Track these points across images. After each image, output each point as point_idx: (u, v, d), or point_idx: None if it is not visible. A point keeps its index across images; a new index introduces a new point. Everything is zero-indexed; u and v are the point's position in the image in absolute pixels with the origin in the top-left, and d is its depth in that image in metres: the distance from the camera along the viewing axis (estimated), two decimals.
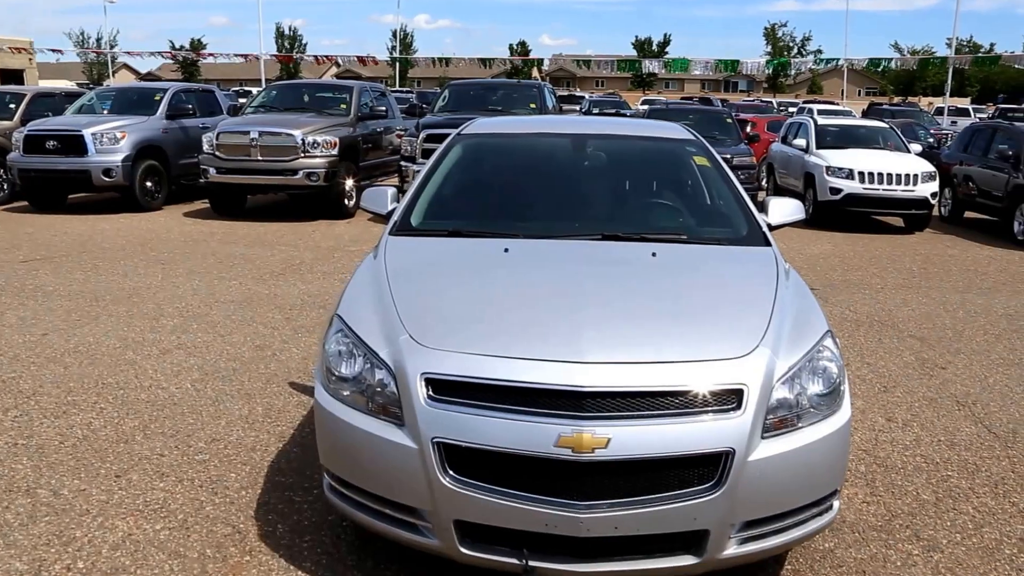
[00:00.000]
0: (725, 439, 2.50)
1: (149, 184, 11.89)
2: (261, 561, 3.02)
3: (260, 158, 10.93)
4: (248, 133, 10.93)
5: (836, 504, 2.85)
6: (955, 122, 30.88)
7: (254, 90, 27.43)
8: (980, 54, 47.55)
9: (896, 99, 57.49)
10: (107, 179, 11.33)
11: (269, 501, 3.47)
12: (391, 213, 4.05)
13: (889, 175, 11.86)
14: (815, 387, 2.72)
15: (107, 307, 6.53)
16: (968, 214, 12.99)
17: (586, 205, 4.04)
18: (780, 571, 3.04)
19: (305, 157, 11.00)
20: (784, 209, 4.09)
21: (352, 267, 8.35)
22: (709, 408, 2.53)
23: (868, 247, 10.64)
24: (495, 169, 4.41)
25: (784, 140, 14.59)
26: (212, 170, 11.05)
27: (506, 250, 3.44)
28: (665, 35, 72.87)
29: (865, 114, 26.83)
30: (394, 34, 58.49)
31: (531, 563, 2.51)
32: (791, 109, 34.37)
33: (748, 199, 4.01)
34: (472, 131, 4.51)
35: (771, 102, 36.33)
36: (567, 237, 3.62)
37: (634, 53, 67.43)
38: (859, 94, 72.33)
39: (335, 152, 11.27)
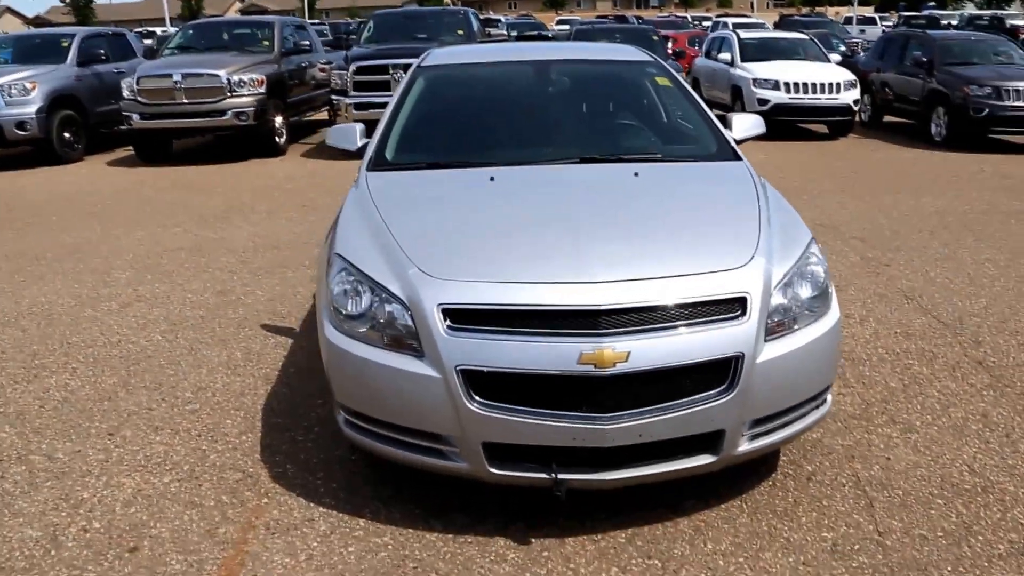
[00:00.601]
0: (734, 344, 2.59)
1: (67, 135, 11.24)
2: (280, 502, 3.02)
3: (186, 101, 10.45)
4: (171, 76, 10.42)
5: (829, 398, 3.00)
6: (863, 31, 31.57)
7: (158, 31, 26.13)
8: None
9: (804, 10, 58.14)
10: (21, 132, 10.67)
11: (271, 443, 3.45)
12: (362, 149, 3.97)
13: (813, 84, 12.11)
14: (806, 291, 2.83)
15: (51, 265, 6.25)
16: (887, 118, 13.40)
17: (559, 130, 4.03)
18: (777, 462, 3.20)
19: (232, 97, 10.58)
20: (746, 124, 4.15)
21: (294, 204, 8.28)
22: (717, 317, 2.62)
23: (799, 155, 10.92)
24: (463, 100, 4.33)
25: (708, 55, 14.69)
26: (135, 116, 10.52)
27: (492, 178, 3.42)
28: None
29: (777, 26, 27.12)
30: None
31: (560, 475, 2.58)
32: (705, 24, 34.52)
33: (713, 116, 4.06)
34: (433, 63, 4.42)
35: (686, 17, 36.29)
36: (545, 162, 3.62)
37: None
38: (768, 6, 72.90)
39: (263, 90, 10.86)
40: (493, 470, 2.63)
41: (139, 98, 10.47)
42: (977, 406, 3.71)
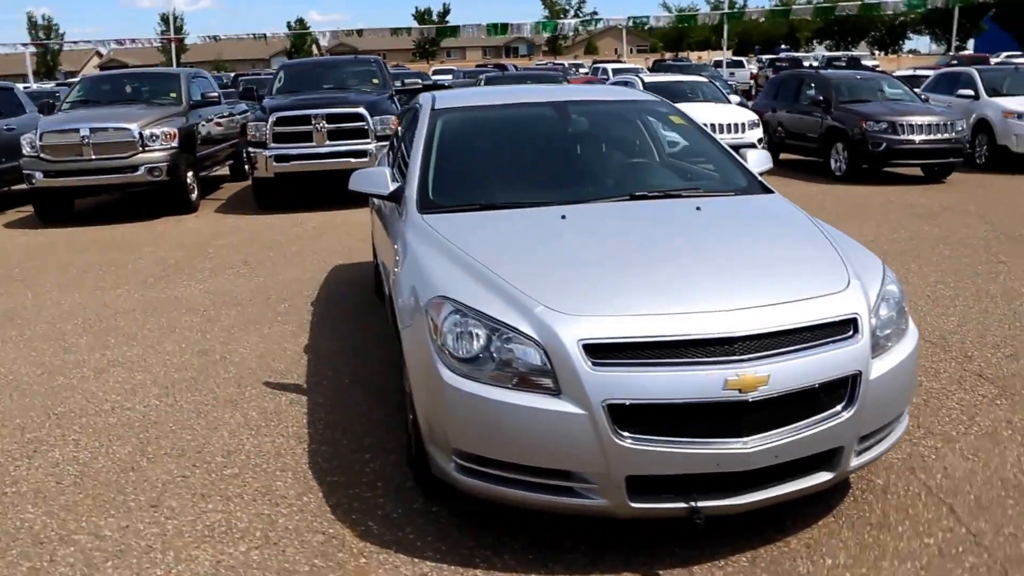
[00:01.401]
0: (853, 363, 2.76)
1: None
2: (381, 560, 2.91)
3: (94, 156, 9.93)
4: (77, 131, 9.91)
5: (907, 412, 3.19)
6: (732, 73, 33.78)
7: (19, 86, 24.71)
8: (733, 11, 51.59)
9: (667, 55, 61.52)
10: None
11: (339, 502, 3.32)
12: (395, 193, 3.94)
13: (721, 125, 12.83)
14: (891, 311, 3.03)
15: None
16: (783, 156, 14.34)
17: (599, 169, 4.18)
18: (849, 479, 3.35)
19: (144, 152, 10.14)
20: (760, 159, 4.40)
21: (235, 261, 8.00)
22: (837, 338, 2.78)
23: None
24: (493, 141, 4.42)
25: None
26: (38, 174, 9.91)
27: (563, 216, 3.49)
28: (444, 4, 73.18)
29: (652, 71, 28.62)
30: (163, 18, 54.28)
31: (698, 503, 2.63)
32: (583, 70, 36.00)
33: (733, 152, 4.29)
34: (447, 105, 4.47)
35: (562, 64, 37.71)
36: (597, 200, 3.72)
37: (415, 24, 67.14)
38: (632, 52, 76.65)
39: (175, 144, 10.48)
40: (633, 504, 2.66)
41: (42, 155, 9.88)
42: (997, 414, 4.02)
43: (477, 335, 2.76)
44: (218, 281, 7.11)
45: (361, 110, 10.46)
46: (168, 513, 3.27)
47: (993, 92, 13.82)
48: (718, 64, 34.54)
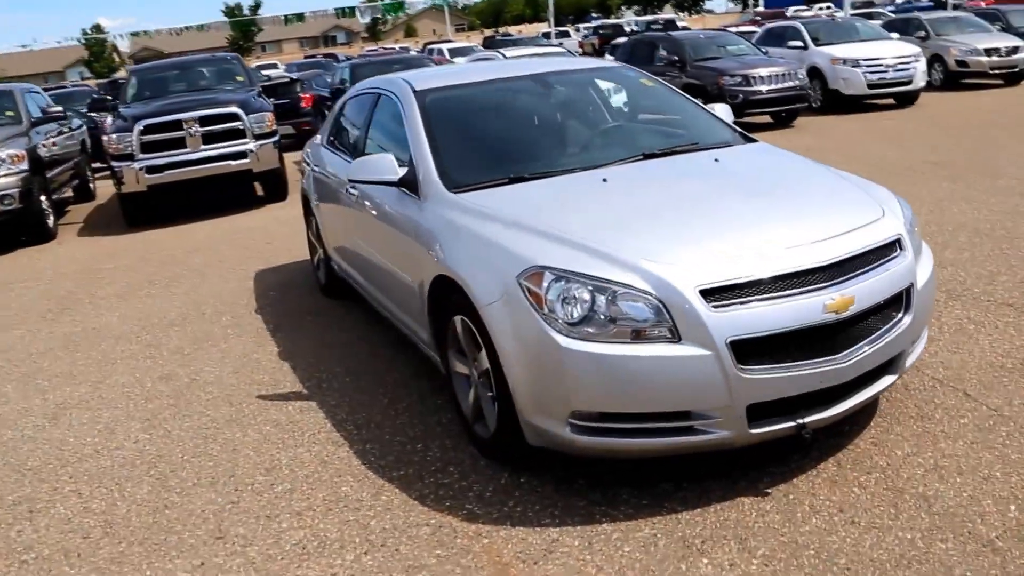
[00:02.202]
0: (907, 276, 3.09)
1: None
2: (503, 536, 2.88)
3: None
4: None
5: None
6: (561, 44, 34.74)
7: None
8: None
9: (487, 31, 62.28)
10: None
11: (424, 493, 3.23)
12: (406, 179, 3.85)
13: None
14: (912, 231, 3.34)
15: None
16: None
17: (603, 133, 4.29)
18: None
19: None
20: (726, 111, 4.62)
21: (138, 282, 7.47)
22: (891, 256, 3.08)
23: None
24: (486, 117, 4.39)
25: None
26: None
27: (604, 180, 3.56)
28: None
29: (485, 46, 28.95)
30: None
31: (804, 420, 2.84)
32: (413, 51, 35.76)
33: (707, 108, 4.52)
34: (428, 86, 4.38)
35: (395, 48, 37.32)
36: (614, 163, 3.79)
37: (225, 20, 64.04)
38: (454, 31, 76.95)
39: (25, 167, 9.55)
40: (752, 431, 2.81)
41: None
42: (956, 313, 4.54)
43: (584, 298, 2.79)
44: (133, 305, 6.60)
45: (235, 109, 9.96)
46: (241, 541, 3.08)
47: (817, 42, 15.05)
48: (546, 35, 35.34)
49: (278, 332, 5.47)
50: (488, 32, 62.57)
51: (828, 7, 53.61)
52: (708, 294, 2.74)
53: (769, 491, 2.97)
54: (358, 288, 5.20)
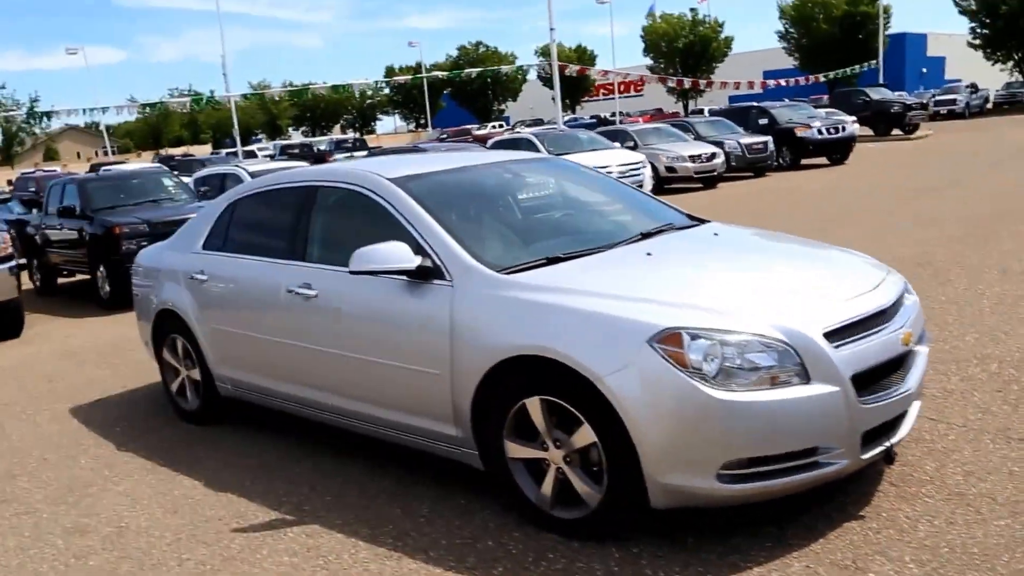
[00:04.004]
0: (921, 315, 3.88)
1: None
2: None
3: None
4: None
5: None
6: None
7: None
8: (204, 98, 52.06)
9: (144, 153, 59.63)
10: None
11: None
12: (425, 268, 3.89)
13: None
14: None
15: None
16: None
17: (596, 216, 4.70)
18: None
19: None
20: (648, 185, 5.32)
21: (72, 380, 6.44)
22: (912, 299, 3.87)
23: None
24: (474, 204, 4.57)
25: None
26: None
27: (649, 254, 3.96)
28: None
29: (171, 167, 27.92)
30: None
31: (890, 442, 3.41)
32: (80, 172, 33.20)
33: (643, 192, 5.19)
34: (406, 173, 4.44)
35: (55, 169, 34.28)
36: (621, 244, 4.17)
37: None
38: (96, 154, 72.53)
39: None
40: (862, 457, 3.29)
41: None
42: None
43: (725, 352, 3.12)
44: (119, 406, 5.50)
45: None
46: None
47: (550, 153, 16.91)
48: (232, 154, 34.86)
49: (176, 465, 4.95)
50: (146, 154, 60.19)
51: (500, 126, 59.55)
52: (829, 336, 3.23)
53: (862, 514, 3.45)
54: (281, 403, 4.93)
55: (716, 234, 4.46)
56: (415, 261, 3.89)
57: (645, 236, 4.31)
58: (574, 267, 3.82)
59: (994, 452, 3.92)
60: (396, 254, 3.89)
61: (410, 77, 50.38)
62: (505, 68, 45.24)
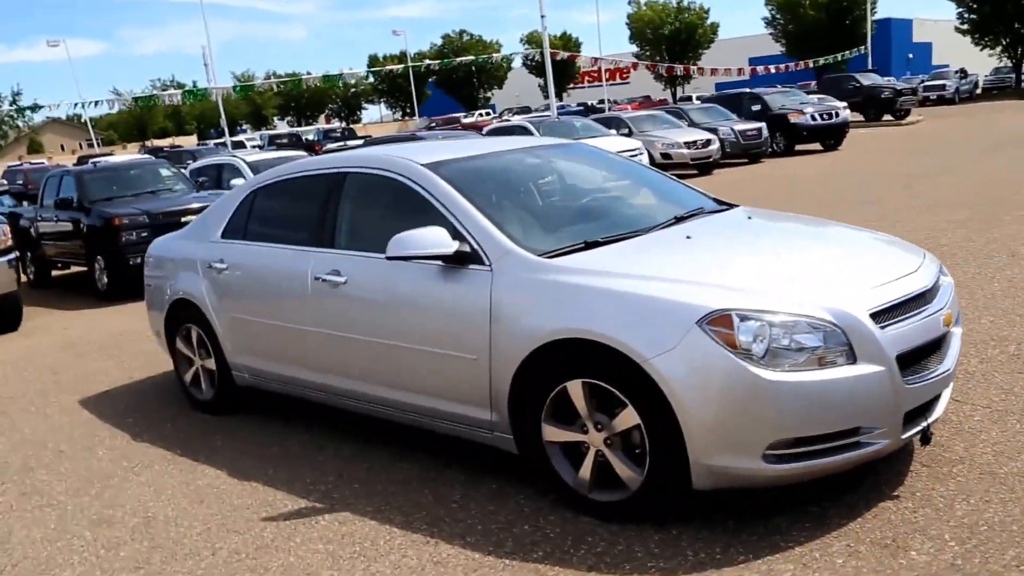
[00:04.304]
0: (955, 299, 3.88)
1: None
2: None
3: None
4: None
5: None
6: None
7: None
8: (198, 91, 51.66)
9: (130, 145, 59.23)
10: None
11: (626, 566, 3.27)
12: (467, 251, 3.90)
13: None
14: None
15: None
16: None
17: (631, 202, 4.70)
18: None
19: None
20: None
21: (76, 371, 6.72)
22: (947, 280, 3.91)
23: None
24: (510, 188, 4.60)
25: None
26: None
27: (688, 237, 3.98)
28: None
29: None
30: None
31: (927, 421, 3.45)
32: (68, 164, 32.98)
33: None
34: (432, 159, 4.44)
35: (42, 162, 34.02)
36: (658, 228, 4.18)
37: None
38: (80, 146, 72.03)
39: None
40: (902, 436, 3.33)
41: None
42: None
43: (774, 333, 3.15)
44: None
45: None
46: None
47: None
48: (220, 145, 34.63)
49: (196, 455, 4.95)
50: (131, 146, 59.81)
51: (487, 113, 59.45)
52: (875, 317, 3.26)
53: (897, 494, 3.49)
54: (303, 391, 4.93)
55: (750, 217, 4.48)
56: (453, 246, 3.89)
57: (679, 220, 4.32)
58: (613, 251, 3.84)
59: (1021, 432, 3.97)
60: (434, 239, 3.89)
61: (401, 66, 50.12)
62: (496, 56, 45.01)
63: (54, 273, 13.13)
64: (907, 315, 3.38)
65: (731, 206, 4.74)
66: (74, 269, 13.16)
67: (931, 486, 3.55)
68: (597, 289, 3.49)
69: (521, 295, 3.68)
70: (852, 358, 3.18)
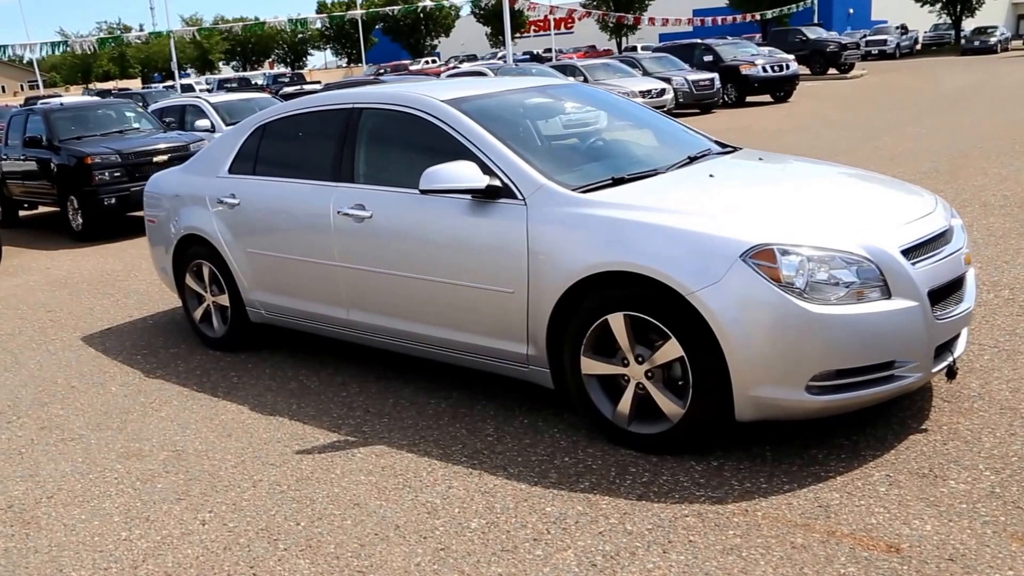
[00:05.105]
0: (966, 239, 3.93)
1: None
2: (787, 512, 3.12)
3: None
4: None
5: None
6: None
7: None
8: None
9: (74, 88, 56.97)
10: None
11: (674, 495, 3.31)
12: (498, 186, 3.85)
13: None
14: None
15: None
16: None
17: (644, 141, 4.62)
18: None
19: None
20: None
21: (72, 309, 6.64)
22: (961, 224, 3.94)
23: None
24: (531, 126, 4.53)
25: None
26: None
27: (711, 175, 3.97)
28: None
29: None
30: None
31: (953, 357, 3.54)
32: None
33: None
34: (452, 96, 4.35)
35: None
36: (674, 167, 4.17)
37: None
38: (22, 88, 69.09)
39: None
40: (933, 369, 3.41)
41: None
42: None
43: (815, 267, 3.18)
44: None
45: None
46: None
47: None
48: (169, 88, 33.48)
49: (215, 391, 4.85)
50: (74, 88, 57.56)
51: (433, 61, 58.50)
52: (906, 253, 3.31)
53: (924, 427, 3.59)
54: (321, 328, 4.85)
55: (761, 159, 4.49)
56: (484, 180, 3.84)
57: (692, 160, 4.32)
58: (643, 187, 3.82)
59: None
60: (466, 173, 3.83)
61: (361, 12, 48.82)
62: (446, 1, 43.97)
63: (21, 213, 12.61)
64: (933, 253, 3.44)
65: (735, 148, 4.76)
66: (42, 209, 12.67)
67: (956, 420, 3.65)
68: (638, 223, 3.48)
69: (559, 229, 3.65)
70: (887, 293, 3.24)
